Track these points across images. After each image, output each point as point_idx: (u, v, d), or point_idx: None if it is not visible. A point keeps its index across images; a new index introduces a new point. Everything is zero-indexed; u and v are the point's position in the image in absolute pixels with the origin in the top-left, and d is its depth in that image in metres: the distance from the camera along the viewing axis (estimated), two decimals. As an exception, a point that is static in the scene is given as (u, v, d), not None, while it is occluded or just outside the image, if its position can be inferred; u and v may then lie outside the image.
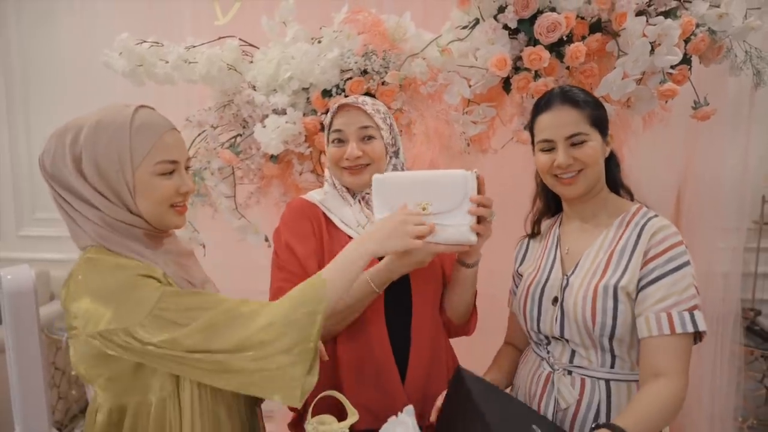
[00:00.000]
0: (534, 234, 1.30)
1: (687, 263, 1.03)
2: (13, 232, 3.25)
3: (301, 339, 0.88)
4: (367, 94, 1.64)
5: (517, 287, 1.29)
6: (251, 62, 1.76)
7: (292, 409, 1.28)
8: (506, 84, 1.57)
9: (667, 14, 1.44)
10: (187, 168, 1.02)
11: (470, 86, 1.54)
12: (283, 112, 1.67)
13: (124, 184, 0.93)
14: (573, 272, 1.13)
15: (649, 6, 1.45)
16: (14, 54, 3.08)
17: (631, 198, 1.19)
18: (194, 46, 1.74)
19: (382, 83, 1.64)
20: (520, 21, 1.46)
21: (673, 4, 1.46)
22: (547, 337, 1.16)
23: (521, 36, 1.50)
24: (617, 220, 1.12)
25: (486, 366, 1.30)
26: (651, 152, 1.80)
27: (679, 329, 0.99)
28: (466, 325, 1.31)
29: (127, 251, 0.94)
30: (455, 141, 1.71)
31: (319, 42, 1.70)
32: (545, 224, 1.29)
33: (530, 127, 1.18)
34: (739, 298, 1.99)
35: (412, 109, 1.70)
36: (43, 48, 3.02)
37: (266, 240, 1.90)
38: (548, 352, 1.16)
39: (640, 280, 1.04)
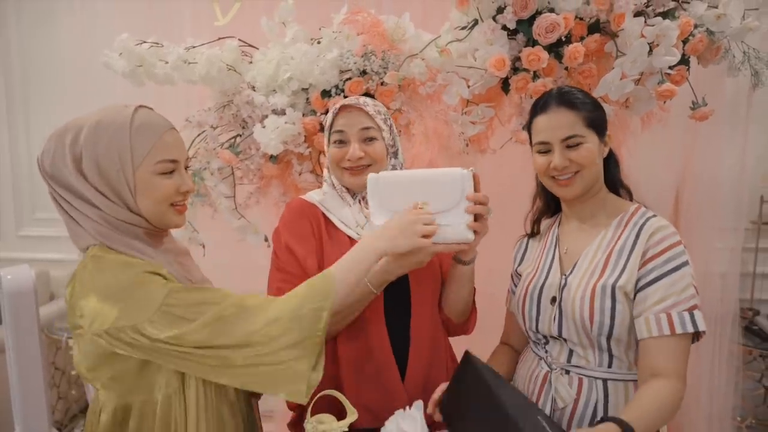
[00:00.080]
0: (533, 233, 1.30)
1: (686, 263, 1.04)
2: (12, 232, 3.25)
3: (307, 335, 0.88)
4: (366, 94, 1.64)
5: (515, 287, 1.29)
6: (251, 63, 1.77)
7: (291, 408, 1.28)
8: (505, 84, 1.57)
9: (665, 15, 1.44)
10: (186, 167, 1.03)
11: (469, 87, 1.54)
12: (283, 113, 1.67)
13: (125, 184, 0.93)
14: (571, 272, 1.13)
15: (647, 7, 1.45)
16: (14, 54, 3.08)
17: (630, 197, 1.19)
18: (194, 47, 1.74)
19: (381, 84, 1.64)
20: (519, 22, 1.46)
21: (672, 4, 1.46)
22: (545, 337, 1.17)
23: (520, 36, 1.50)
24: (616, 220, 1.13)
25: (485, 365, 1.30)
26: (649, 152, 1.80)
27: (679, 329, 1.00)
28: (465, 324, 1.31)
29: (129, 249, 0.94)
30: (454, 141, 1.71)
31: (319, 42, 1.70)
32: (545, 224, 1.30)
33: (528, 128, 1.19)
34: (737, 298, 1.99)
35: (411, 109, 1.71)
36: (43, 48, 3.02)
37: (266, 240, 1.90)
38: (546, 352, 1.17)
39: (638, 281, 1.05)
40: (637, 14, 1.43)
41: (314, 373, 0.90)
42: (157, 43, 1.76)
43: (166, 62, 1.73)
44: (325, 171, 1.30)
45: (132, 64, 1.72)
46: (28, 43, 3.05)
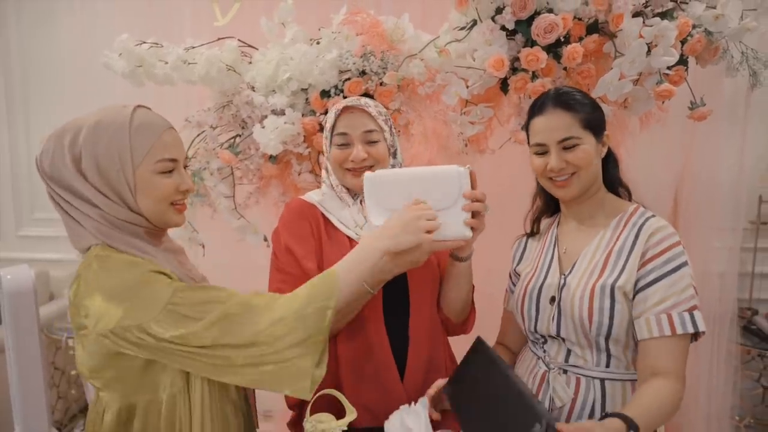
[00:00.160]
0: (533, 233, 1.30)
1: (685, 263, 1.04)
2: (12, 232, 3.25)
3: (311, 333, 0.89)
4: (366, 94, 1.65)
5: (514, 286, 1.30)
6: (250, 63, 1.77)
7: (291, 407, 1.29)
8: (504, 85, 1.58)
9: (663, 15, 1.44)
10: (185, 166, 1.03)
11: (468, 87, 1.55)
12: (282, 113, 1.67)
13: (125, 183, 0.94)
14: (570, 272, 1.13)
15: (645, 7, 1.46)
16: (14, 54, 3.08)
17: (630, 196, 1.19)
18: (193, 47, 1.75)
19: (381, 84, 1.64)
20: (518, 22, 1.47)
21: (670, 5, 1.46)
22: (543, 336, 1.17)
23: (519, 37, 1.51)
24: (614, 221, 1.13)
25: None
26: (648, 152, 1.80)
27: (679, 330, 1.00)
28: (464, 324, 1.31)
29: (131, 248, 0.95)
30: (453, 141, 1.71)
31: (318, 43, 1.71)
32: (544, 223, 1.30)
33: (526, 129, 1.19)
34: (735, 298, 1.99)
35: (410, 109, 1.71)
36: (43, 48, 3.03)
37: (265, 240, 1.91)
38: (544, 351, 1.17)
39: (637, 281, 1.05)
40: (636, 15, 1.44)
41: (318, 370, 0.90)
42: (157, 44, 1.76)
43: (166, 62, 1.73)
44: (324, 172, 1.30)
45: (132, 64, 1.72)
46: (28, 43, 3.06)
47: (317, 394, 1.02)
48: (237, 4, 1.92)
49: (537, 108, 1.14)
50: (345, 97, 1.61)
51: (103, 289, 0.89)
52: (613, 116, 1.55)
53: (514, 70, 1.54)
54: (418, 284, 1.22)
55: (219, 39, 1.77)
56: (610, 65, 1.44)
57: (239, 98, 1.75)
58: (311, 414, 1.03)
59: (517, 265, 1.31)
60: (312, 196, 1.28)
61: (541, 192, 1.26)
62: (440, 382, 1.10)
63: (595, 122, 1.11)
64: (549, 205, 1.29)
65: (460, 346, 1.37)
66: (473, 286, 1.27)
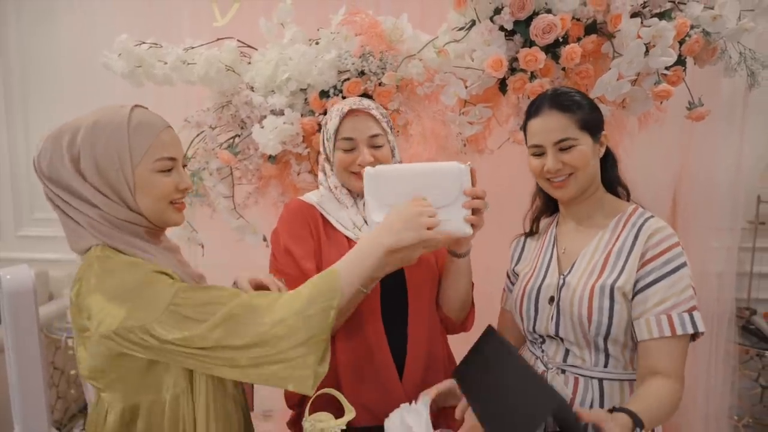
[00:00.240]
0: (532, 232, 1.30)
1: (684, 264, 1.04)
2: (12, 232, 3.25)
3: (315, 333, 0.89)
4: (365, 95, 1.65)
5: (512, 285, 1.30)
6: (249, 63, 1.77)
7: (290, 407, 1.29)
8: (502, 85, 1.58)
9: (661, 16, 1.45)
10: (183, 166, 1.04)
11: (466, 87, 1.55)
12: (281, 113, 1.68)
13: (124, 182, 0.94)
14: (569, 272, 1.13)
15: (643, 8, 1.46)
16: (13, 53, 3.08)
17: (628, 195, 1.19)
18: (193, 48, 1.75)
19: (380, 84, 1.65)
20: (516, 22, 1.47)
21: (668, 5, 1.47)
22: (541, 336, 1.17)
23: (517, 37, 1.51)
24: (613, 221, 1.13)
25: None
26: (646, 152, 1.81)
27: (679, 331, 1.01)
28: (464, 322, 1.31)
29: (131, 248, 0.95)
30: (452, 141, 1.72)
31: (317, 43, 1.71)
32: (543, 223, 1.30)
33: (523, 130, 1.19)
34: (733, 298, 2.00)
35: (408, 109, 1.71)
36: (43, 47, 3.03)
37: (264, 240, 1.91)
38: (542, 351, 1.17)
39: (637, 282, 1.05)
40: (634, 15, 1.44)
41: (321, 367, 0.90)
42: (156, 44, 1.76)
43: (165, 63, 1.73)
44: (320, 174, 1.29)
45: (131, 64, 1.72)
46: (27, 42, 3.06)
47: (316, 394, 1.03)
48: (236, 4, 1.92)
49: (533, 109, 1.14)
50: (344, 98, 1.61)
51: (104, 290, 0.88)
52: (612, 116, 1.56)
53: (512, 70, 1.54)
54: (416, 283, 1.22)
55: (218, 39, 1.77)
56: (609, 65, 1.45)
57: (238, 98, 1.76)
58: (310, 413, 1.03)
59: (516, 264, 1.31)
60: (310, 197, 1.29)
61: (541, 192, 1.26)
62: (439, 386, 1.10)
63: (591, 123, 1.11)
64: (548, 205, 1.29)
65: (459, 345, 1.38)
66: (472, 284, 1.27)
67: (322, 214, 1.25)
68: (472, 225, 1.07)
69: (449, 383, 1.11)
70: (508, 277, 1.34)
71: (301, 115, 1.71)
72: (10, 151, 3.16)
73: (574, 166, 1.09)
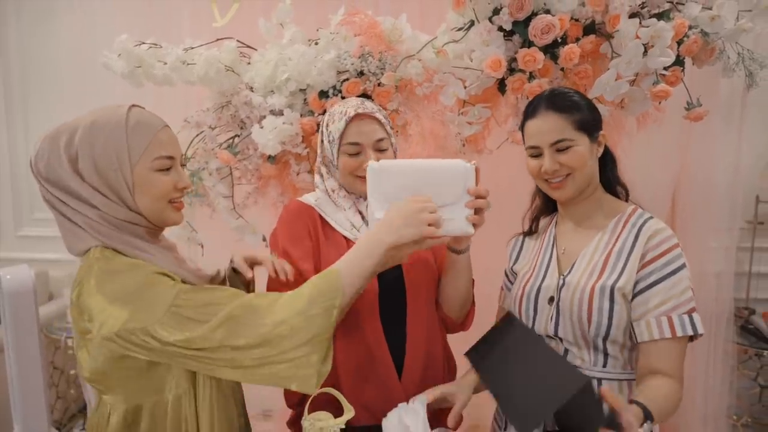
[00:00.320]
0: (531, 232, 1.30)
1: (684, 266, 1.05)
2: (11, 233, 3.26)
3: (317, 332, 0.89)
4: (364, 95, 1.66)
5: (511, 283, 1.30)
6: (249, 64, 1.78)
7: (290, 406, 1.29)
8: (501, 85, 1.58)
9: (660, 16, 1.45)
10: (182, 165, 1.04)
11: (465, 87, 1.55)
12: (281, 113, 1.68)
13: (123, 182, 0.94)
14: (569, 272, 1.13)
15: (642, 8, 1.47)
16: (13, 53, 3.09)
17: (627, 195, 1.19)
18: (192, 48, 1.75)
19: (379, 84, 1.65)
20: (515, 23, 1.47)
21: (666, 6, 1.47)
22: (540, 336, 1.18)
23: (516, 38, 1.51)
24: (613, 221, 1.13)
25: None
26: (645, 153, 1.81)
27: (679, 332, 1.01)
28: (464, 321, 1.31)
29: (131, 248, 0.94)
30: (451, 141, 1.72)
31: (316, 44, 1.71)
32: (542, 223, 1.30)
33: (521, 131, 1.20)
34: (732, 298, 2.00)
35: (408, 110, 1.72)
36: (43, 47, 3.03)
37: (264, 240, 1.91)
38: (541, 350, 1.18)
39: (637, 283, 1.05)
40: (632, 15, 1.45)
41: (324, 366, 0.90)
42: (156, 44, 1.77)
43: (165, 63, 1.73)
44: (317, 177, 1.29)
45: (131, 65, 1.73)
46: (27, 42, 3.06)
47: (315, 393, 1.03)
48: (236, 4, 1.92)
49: (530, 110, 1.14)
50: (343, 98, 1.61)
51: (106, 292, 0.88)
52: (610, 117, 1.56)
53: (511, 70, 1.54)
54: (414, 283, 1.22)
55: (218, 40, 1.78)
56: (607, 66, 1.45)
57: (238, 99, 1.76)
58: (309, 412, 1.03)
59: (514, 263, 1.31)
60: (309, 198, 1.29)
61: (540, 191, 1.26)
62: (435, 392, 1.10)
63: (589, 123, 1.10)
64: (548, 205, 1.29)
65: (459, 345, 1.38)
66: (473, 281, 1.26)
67: (320, 215, 1.25)
68: (474, 224, 1.07)
69: (445, 388, 1.11)
70: (506, 275, 1.34)
71: (301, 116, 1.71)
72: (10, 151, 3.17)
73: (571, 167, 1.09)
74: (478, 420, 1.62)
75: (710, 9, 1.45)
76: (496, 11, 1.48)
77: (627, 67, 1.43)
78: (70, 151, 0.92)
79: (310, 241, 1.22)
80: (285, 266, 1.13)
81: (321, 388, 1.04)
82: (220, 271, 1.18)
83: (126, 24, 1.97)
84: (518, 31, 1.48)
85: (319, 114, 1.70)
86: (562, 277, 1.14)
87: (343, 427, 1.00)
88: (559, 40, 1.47)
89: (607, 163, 1.18)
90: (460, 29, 1.57)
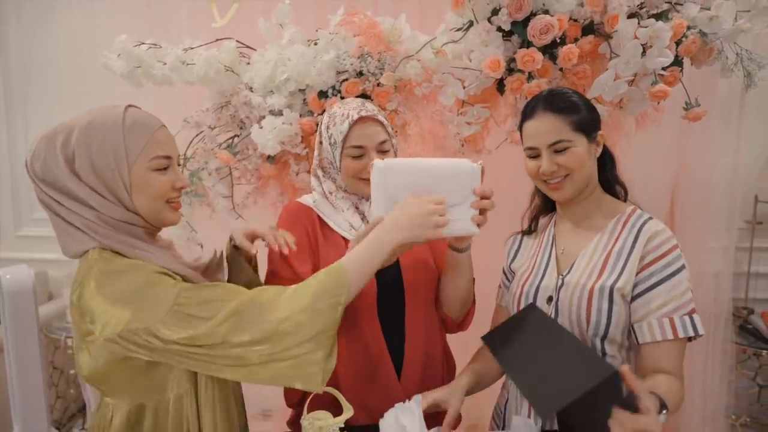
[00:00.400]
0: (530, 231, 1.30)
1: (683, 267, 1.05)
2: (11, 232, 3.26)
3: (321, 329, 0.88)
4: (363, 95, 1.66)
5: (509, 281, 1.30)
6: (248, 64, 1.78)
7: (290, 406, 1.29)
8: (500, 85, 1.58)
9: (658, 17, 1.46)
10: (178, 164, 1.03)
11: (464, 87, 1.55)
12: (280, 113, 1.68)
13: (121, 182, 0.93)
14: (568, 272, 1.14)
15: (640, 8, 1.47)
16: (13, 53, 3.09)
17: (626, 194, 1.19)
18: (192, 48, 1.75)
19: (378, 84, 1.65)
20: (514, 23, 1.48)
21: (665, 6, 1.48)
22: (539, 335, 1.18)
23: (515, 38, 1.52)
24: (612, 222, 1.13)
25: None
26: (644, 153, 1.81)
27: (681, 334, 1.01)
28: (463, 320, 1.31)
29: (130, 248, 0.94)
30: (450, 141, 1.72)
31: (316, 44, 1.71)
32: (541, 221, 1.30)
33: (520, 131, 1.20)
34: (730, 297, 2.00)
35: (407, 110, 1.72)
36: (42, 47, 3.03)
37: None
38: (539, 350, 1.18)
39: (637, 284, 1.06)
40: (631, 16, 1.45)
41: (329, 362, 0.90)
42: (156, 45, 1.77)
43: (165, 63, 1.74)
44: (314, 180, 1.29)
45: (130, 65, 1.73)
46: (27, 43, 3.06)
47: (315, 392, 1.03)
48: (235, 5, 1.92)
49: (528, 111, 1.14)
50: (342, 98, 1.61)
51: (107, 293, 0.88)
52: (609, 117, 1.57)
53: (510, 70, 1.54)
54: (412, 282, 1.23)
55: (217, 40, 1.78)
56: (606, 66, 1.46)
57: (237, 99, 1.76)
58: (308, 412, 1.03)
59: (512, 261, 1.31)
60: (307, 199, 1.29)
61: (539, 191, 1.26)
62: (430, 396, 1.10)
63: (587, 124, 1.10)
64: (547, 204, 1.29)
65: (458, 345, 1.38)
66: (473, 279, 1.26)
67: (319, 216, 1.25)
68: (478, 224, 1.07)
69: (437, 394, 1.10)
70: (504, 273, 1.34)
71: (300, 116, 1.71)
72: (9, 151, 3.17)
73: (569, 168, 1.09)
74: (477, 420, 1.63)
75: (708, 9, 1.45)
76: (495, 11, 1.48)
77: (625, 68, 1.43)
78: (67, 151, 0.92)
79: (309, 242, 1.22)
80: (287, 237, 1.13)
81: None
82: (216, 252, 1.18)
83: (125, 24, 1.97)
84: (517, 31, 1.49)
85: (319, 114, 1.70)
86: (561, 276, 1.14)
87: (342, 426, 1.01)
88: (558, 41, 1.47)
89: (606, 163, 1.18)
90: (459, 29, 1.58)
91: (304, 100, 1.72)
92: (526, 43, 1.48)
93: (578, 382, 0.84)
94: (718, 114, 1.81)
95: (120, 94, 1.93)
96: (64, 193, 0.93)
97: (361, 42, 1.66)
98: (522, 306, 1.19)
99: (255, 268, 1.23)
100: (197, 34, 1.82)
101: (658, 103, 1.55)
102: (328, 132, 1.21)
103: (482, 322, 1.36)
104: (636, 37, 1.40)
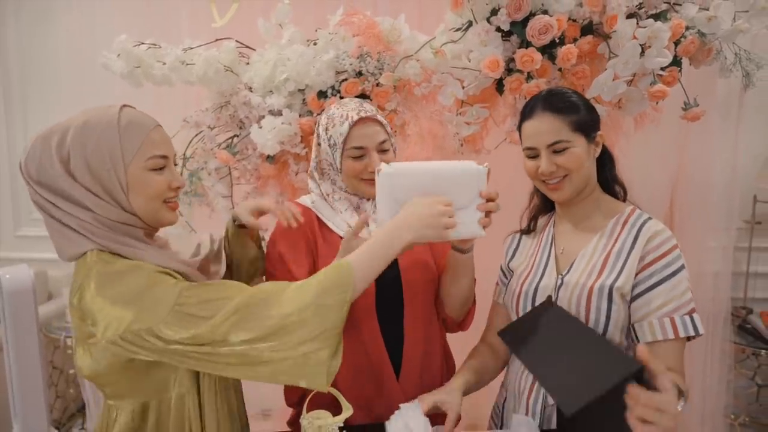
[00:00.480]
0: (529, 230, 1.31)
1: (683, 267, 1.05)
2: (11, 232, 3.26)
3: (326, 327, 0.87)
4: (362, 95, 1.66)
5: (506, 279, 1.30)
6: (248, 64, 1.78)
7: (290, 405, 1.30)
8: (499, 85, 1.58)
9: (657, 17, 1.46)
10: (175, 164, 1.03)
11: (463, 87, 1.55)
12: (279, 113, 1.68)
13: (117, 182, 0.92)
14: (568, 272, 1.14)
15: (639, 9, 1.47)
16: (12, 53, 3.09)
17: (625, 193, 1.20)
18: (191, 48, 1.75)
19: (377, 85, 1.65)
20: (513, 23, 1.48)
21: (663, 6, 1.48)
22: (537, 335, 1.18)
23: (514, 38, 1.52)
24: (611, 222, 1.13)
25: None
26: (643, 153, 1.82)
27: (682, 333, 1.02)
28: (464, 320, 1.31)
29: (129, 249, 0.93)
30: (449, 141, 1.72)
31: (315, 44, 1.71)
32: (540, 221, 1.30)
33: (519, 131, 1.20)
34: (729, 297, 2.01)
35: (406, 110, 1.72)
36: (42, 47, 3.03)
37: (263, 239, 1.91)
38: (538, 349, 1.18)
39: (637, 284, 1.06)
40: (630, 16, 1.45)
41: (334, 361, 0.88)
42: (155, 45, 1.77)
43: (164, 63, 1.74)
44: (311, 182, 1.29)
45: (130, 65, 1.73)
46: (26, 42, 3.06)
47: (314, 392, 1.04)
48: (235, 5, 1.92)
49: (527, 112, 1.14)
50: (342, 98, 1.62)
51: (107, 295, 0.87)
52: (608, 117, 1.57)
53: (509, 70, 1.55)
54: (411, 283, 1.23)
55: (217, 40, 1.78)
56: (605, 66, 1.46)
57: (237, 99, 1.76)
58: (308, 411, 1.04)
59: (510, 260, 1.31)
60: (306, 200, 1.29)
61: (538, 190, 1.27)
62: (429, 399, 1.10)
63: (586, 124, 1.11)
64: (546, 204, 1.29)
65: (458, 345, 1.39)
66: (474, 280, 1.26)
67: (317, 216, 1.25)
68: (483, 226, 1.07)
69: (436, 397, 1.10)
70: (502, 271, 1.34)
71: (299, 116, 1.72)
72: (9, 151, 3.17)
73: (568, 169, 1.09)
74: (476, 419, 1.63)
75: (707, 10, 1.45)
76: (494, 12, 1.48)
77: (624, 68, 1.43)
78: (62, 152, 0.91)
79: (307, 243, 1.22)
80: (293, 210, 1.13)
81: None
82: (213, 243, 1.17)
83: (125, 24, 1.97)
84: (516, 31, 1.49)
85: (318, 114, 1.71)
86: (560, 276, 1.15)
87: (342, 425, 1.01)
88: (557, 41, 1.47)
89: (605, 163, 1.18)
90: (458, 30, 1.58)
91: (304, 100, 1.72)
92: (525, 43, 1.49)
93: (604, 376, 0.82)
94: (717, 114, 1.82)
95: (119, 94, 1.93)
96: (59, 194, 0.92)
97: (360, 42, 1.66)
98: (521, 306, 1.19)
99: (260, 245, 1.24)
100: (197, 34, 1.81)
101: (657, 103, 1.55)
102: (327, 134, 1.21)
103: (482, 321, 1.36)
104: (635, 38, 1.40)
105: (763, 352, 2.27)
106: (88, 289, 0.88)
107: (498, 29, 1.50)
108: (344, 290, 0.90)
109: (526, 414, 1.14)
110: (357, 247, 1.02)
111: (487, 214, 1.08)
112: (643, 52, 1.42)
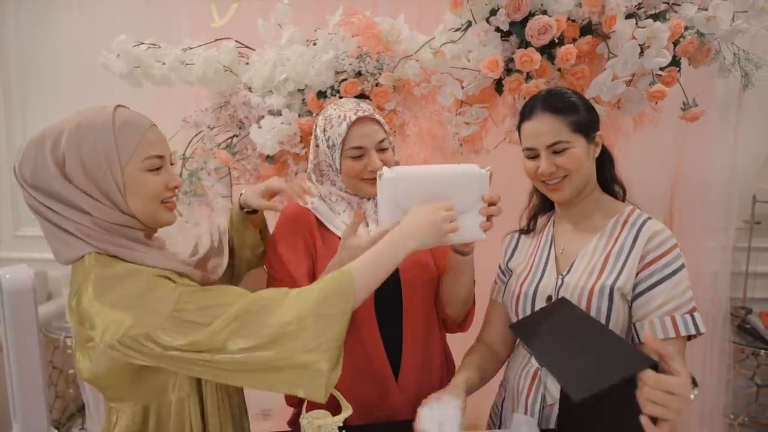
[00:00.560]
0: (528, 230, 1.31)
1: (683, 266, 1.06)
2: (10, 232, 3.26)
3: (327, 337, 0.86)
4: (362, 95, 1.66)
5: (505, 278, 1.30)
6: (247, 64, 1.78)
7: (291, 404, 1.30)
8: (498, 85, 1.58)
9: (656, 17, 1.46)
10: (171, 164, 1.02)
11: (463, 88, 1.56)
12: (279, 113, 1.68)
13: (113, 184, 0.91)
14: (568, 272, 1.14)
15: (638, 9, 1.47)
16: (12, 53, 3.09)
17: (624, 193, 1.20)
18: (191, 48, 1.75)
19: (376, 85, 1.66)
20: (512, 23, 1.48)
21: (662, 7, 1.48)
22: (536, 335, 1.18)
23: (513, 38, 1.52)
24: (611, 222, 1.14)
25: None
26: (642, 153, 1.82)
27: (683, 332, 1.02)
28: (464, 320, 1.31)
29: (127, 252, 0.92)
30: (448, 141, 1.72)
31: (314, 44, 1.71)
32: (539, 221, 1.30)
33: (518, 131, 1.20)
34: (728, 297, 2.01)
35: (405, 110, 1.72)
36: (41, 47, 3.03)
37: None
38: (537, 349, 1.18)
39: (638, 284, 1.06)
40: (629, 16, 1.45)
41: (333, 373, 0.88)
42: (155, 45, 1.77)
43: (164, 63, 1.74)
44: (309, 184, 1.28)
45: (129, 65, 1.73)
46: (26, 42, 3.06)
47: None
48: (234, 5, 1.93)
49: (526, 112, 1.14)
50: (341, 98, 1.62)
51: (106, 299, 0.86)
52: (607, 117, 1.57)
53: (508, 71, 1.55)
54: (410, 284, 1.23)
55: (216, 40, 1.78)
56: (604, 66, 1.46)
57: (236, 99, 1.76)
58: (307, 411, 1.04)
59: (509, 260, 1.31)
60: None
61: (537, 190, 1.27)
62: (437, 395, 1.08)
63: (585, 124, 1.11)
64: (545, 204, 1.29)
65: (458, 345, 1.39)
66: (474, 281, 1.27)
67: (317, 217, 1.25)
68: (484, 230, 1.08)
69: (439, 396, 1.10)
70: (501, 270, 1.34)
71: (299, 116, 1.72)
72: (8, 151, 3.17)
73: (567, 169, 1.10)
74: (475, 419, 1.63)
75: (706, 10, 1.45)
76: (493, 12, 1.48)
77: (623, 68, 1.43)
78: (57, 155, 0.89)
79: (306, 244, 1.22)
80: (304, 186, 1.13)
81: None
82: (213, 238, 1.17)
83: (125, 24, 1.97)
84: (515, 31, 1.49)
85: (317, 114, 1.70)
86: (560, 276, 1.15)
87: (341, 425, 1.01)
88: (556, 41, 1.47)
89: (605, 163, 1.19)
90: (457, 30, 1.58)
91: (303, 100, 1.72)
92: (525, 44, 1.49)
93: (618, 368, 0.83)
94: (716, 114, 1.82)
95: (119, 94, 1.93)
96: (55, 198, 0.90)
97: (359, 42, 1.66)
98: (521, 306, 1.19)
99: (264, 230, 1.25)
100: (196, 34, 1.81)
101: (656, 103, 1.55)
102: (325, 135, 1.20)
103: (482, 321, 1.36)
104: (634, 38, 1.40)
105: (762, 352, 2.27)
106: (86, 292, 0.87)
107: (497, 29, 1.50)
108: (345, 300, 0.89)
109: (525, 413, 1.14)
110: (355, 245, 1.02)
111: (489, 217, 1.08)
112: (642, 52, 1.42)
